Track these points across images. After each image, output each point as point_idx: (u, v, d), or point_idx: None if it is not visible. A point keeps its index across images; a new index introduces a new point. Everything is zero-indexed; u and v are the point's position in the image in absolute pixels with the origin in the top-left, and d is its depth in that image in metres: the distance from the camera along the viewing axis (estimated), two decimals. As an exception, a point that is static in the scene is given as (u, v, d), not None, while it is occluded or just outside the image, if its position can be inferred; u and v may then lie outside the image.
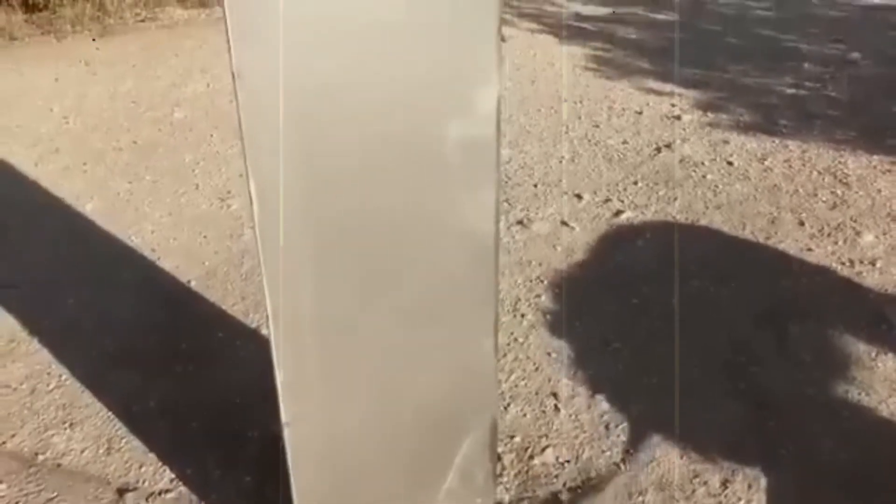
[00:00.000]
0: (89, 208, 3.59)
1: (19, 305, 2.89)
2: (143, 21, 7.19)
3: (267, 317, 1.59)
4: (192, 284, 3.01)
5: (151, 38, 6.42)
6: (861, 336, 2.57)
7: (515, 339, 2.61)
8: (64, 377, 2.51)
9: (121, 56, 5.82)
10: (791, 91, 4.76)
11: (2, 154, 4.11)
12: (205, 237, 3.34)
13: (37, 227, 3.46)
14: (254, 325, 2.73)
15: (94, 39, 6.54)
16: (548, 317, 2.73)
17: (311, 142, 1.53)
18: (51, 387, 2.48)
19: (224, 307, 2.86)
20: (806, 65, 5.19)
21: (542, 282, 2.93)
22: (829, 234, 3.15)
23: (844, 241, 3.10)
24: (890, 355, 2.48)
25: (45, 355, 2.62)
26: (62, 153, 4.15)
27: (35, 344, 2.68)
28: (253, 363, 2.48)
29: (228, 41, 1.38)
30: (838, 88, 4.75)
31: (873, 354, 2.48)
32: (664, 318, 2.71)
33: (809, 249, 3.07)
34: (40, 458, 2.21)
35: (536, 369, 2.47)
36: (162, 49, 5.99)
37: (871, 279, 2.88)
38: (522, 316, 2.73)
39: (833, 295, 2.80)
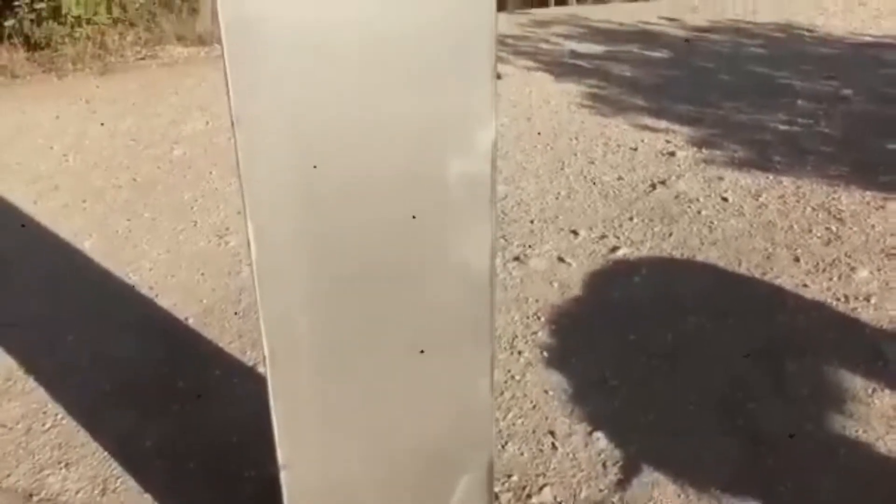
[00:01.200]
0: (88, 245, 3.60)
1: (16, 343, 2.89)
2: (143, 59, 7.29)
3: (264, 355, 1.59)
4: (190, 322, 3.02)
5: (152, 76, 6.50)
6: (858, 372, 2.57)
7: (513, 377, 2.61)
8: (60, 416, 2.51)
9: (121, 94, 5.88)
10: (784, 127, 4.81)
11: (1, 191, 4.14)
12: (202, 274, 3.35)
13: (35, 264, 3.48)
14: (251, 364, 2.73)
15: (97, 79, 6.61)
16: (545, 354, 2.73)
17: (309, 183, 1.55)
18: (46, 426, 2.47)
19: (221, 345, 2.86)
20: (799, 101, 5.25)
21: (539, 318, 2.94)
22: (824, 270, 3.17)
23: (839, 277, 3.12)
24: (887, 391, 2.48)
25: (41, 394, 2.62)
26: (61, 190, 4.18)
27: (31, 382, 2.68)
28: (250, 402, 2.47)
29: (228, 86, 1.41)
30: (831, 125, 4.80)
31: (870, 391, 2.48)
32: (661, 354, 2.71)
33: (805, 285, 3.08)
34: (35, 498, 2.19)
35: (534, 407, 2.47)
36: (162, 87, 6.05)
37: (866, 315, 2.89)
38: (520, 353, 2.73)
39: (829, 331, 2.80)
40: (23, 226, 3.75)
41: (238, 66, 1.42)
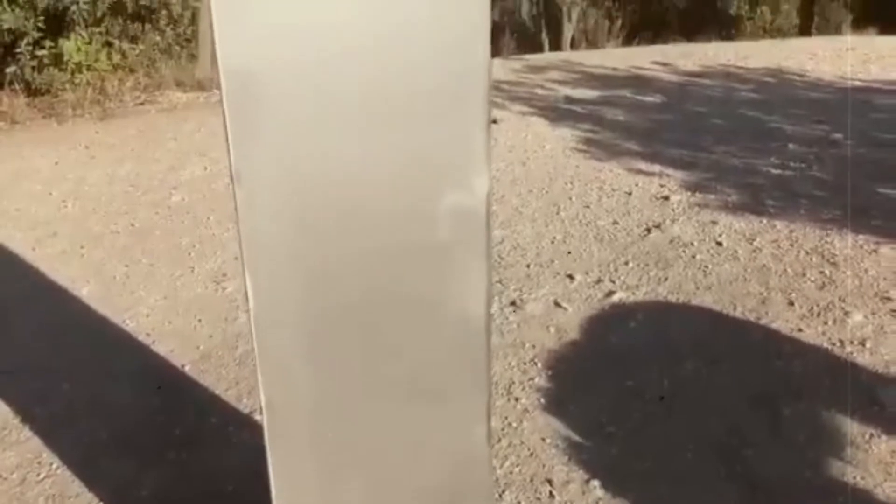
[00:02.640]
0: (85, 292, 3.61)
1: (12, 391, 2.88)
2: (142, 104, 7.37)
3: (260, 405, 1.60)
4: (187, 369, 3.01)
5: (151, 122, 6.57)
6: (854, 417, 2.57)
7: (510, 424, 2.61)
8: (55, 466, 2.49)
9: (120, 139, 5.94)
10: (777, 171, 4.87)
11: (0, 238, 4.15)
12: (199, 321, 3.36)
13: (32, 311, 3.48)
14: (247, 411, 2.73)
15: (97, 125, 6.68)
16: (542, 400, 2.73)
17: (307, 235, 1.57)
18: (41, 476, 2.45)
19: (218, 392, 2.85)
20: (790, 145, 5.32)
21: (535, 364, 2.94)
22: (818, 315, 3.18)
23: (834, 322, 3.13)
24: (884, 437, 2.48)
25: (36, 443, 2.60)
26: (60, 237, 4.20)
27: (26, 431, 2.66)
28: (246, 450, 2.46)
29: (228, 141, 1.44)
30: (823, 169, 4.86)
31: (867, 436, 2.48)
32: (658, 400, 2.71)
33: (800, 329, 3.09)
34: (28, 551, 2.17)
35: (531, 455, 2.46)
36: (161, 132, 6.12)
37: (861, 359, 2.90)
38: (517, 400, 2.73)
39: (825, 376, 2.81)
40: (32, 287, 3.75)
41: (238, 120, 1.45)
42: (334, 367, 1.72)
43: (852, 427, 2.53)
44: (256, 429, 1.64)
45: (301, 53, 1.46)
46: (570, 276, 3.61)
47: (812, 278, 3.48)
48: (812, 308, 3.24)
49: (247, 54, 1.43)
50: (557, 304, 3.37)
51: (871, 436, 2.48)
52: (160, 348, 3.16)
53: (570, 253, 3.87)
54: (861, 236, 3.85)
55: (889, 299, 3.28)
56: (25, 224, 4.37)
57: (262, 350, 1.65)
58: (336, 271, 1.63)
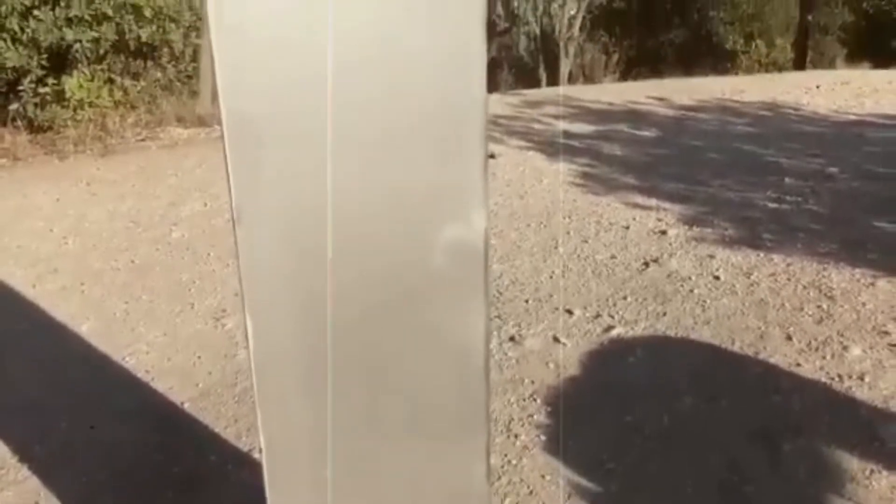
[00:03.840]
0: (85, 329, 3.62)
1: (11, 430, 2.88)
2: (143, 140, 7.44)
3: (259, 443, 1.60)
4: (186, 406, 3.01)
5: (152, 158, 6.62)
6: (854, 453, 2.57)
7: (509, 461, 2.60)
8: (53, 506, 2.48)
9: (121, 176, 5.99)
10: (773, 205, 4.91)
11: (1, 275, 4.17)
12: (199, 357, 3.36)
13: (32, 349, 3.49)
14: (246, 449, 2.72)
15: (98, 161, 6.73)
16: (542, 437, 2.73)
17: (307, 273, 1.59)
18: (39, 516, 2.44)
19: (217, 430, 2.85)
20: (786, 179, 5.36)
21: (535, 400, 2.94)
22: (816, 349, 3.19)
23: (832, 356, 3.14)
24: (884, 473, 2.47)
25: (34, 483, 2.59)
26: (61, 273, 4.22)
27: (25, 471, 2.65)
28: (245, 488, 2.45)
29: (229, 182, 1.46)
30: (819, 202, 4.90)
31: (867, 472, 2.48)
32: (657, 436, 2.71)
33: (798, 364, 3.10)
34: (25, 593, 2.16)
35: (531, 493, 2.46)
36: (161, 168, 6.16)
37: (860, 394, 2.90)
38: (516, 436, 2.73)
39: (824, 411, 2.81)
40: (31, 325, 3.76)
41: (239, 161, 1.47)
42: (333, 406, 1.72)
43: (852, 463, 2.53)
44: (256, 467, 1.65)
45: (301, 96, 1.49)
46: (569, 311, 3.62)
47: (810, 312, 3.49)
48: (810, 342, 3.25)
49: (248, 97, 1.46)
50: (556, 340, 3.37)
51: (872, 472, 2.48)
52: (160, 385, 3.16)
53: (568, 288, 3.88)
54: (858, 270, 3.87)
55: (887, 333, 3.29)
56: (26, 261, 4.39)
57: (261, 389, 1.66)
58: (335, 310, 1.64)
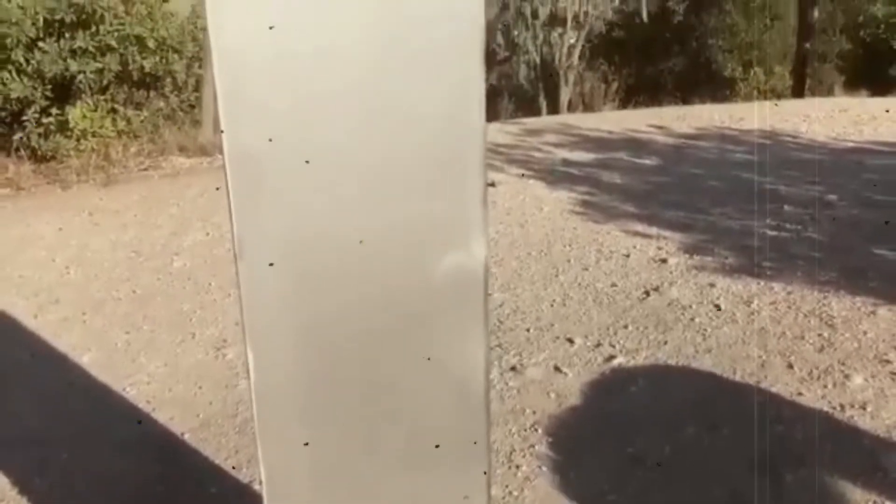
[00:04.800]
0: (86, 360, 3.62)
1: (11, 462, 2.87)
2: (146, 170, 7.48)
3: (260, 475, 1.60)
4: (187, 437, 3.00)
5: (154, 187, 6.66)
6: (857, 483, 2.56)
7: (510, 493, 2.59)
8: (52, 539, 2.47)
9: (123, 205, 6.02)
10: (773, 233, 4.92)
11: (3, 305, 4.18)
12: (200, 388, 3.36)
13: (32, 380, 3.48)
14: (246, 480, 2.71)
15: (100, 191, 6.76)
16: (543, 467, 2.72)
17: (307, 306, 1.60)
18: (38, 550, 2.43)
19: (217, 461, 2.84)
20: (785, 207, 5.38)
21: (536, 430, 2.93)
22: (818, 378, 3.19)
23: (834, 385, 3.13)
24: (888, 503, 2.46)
25: (34, 515, 2.59)
26: (62, 304, 4.23)
27: (25, 503, 2.64)
28: (245, 521, 2.45)
29: (231, 219, 1.48)
30: (818, 230, 4.91)
31: (870, 503, 2.46)
32: (659, 466, 2.70)
33: (800, 393, 3.09)
34: None
35: (532, 524, 2.44)
36: (164, 198, 6.19)
37: (862, 423, 2.89)
38: (517, 467, 2.72)
39: (826, 441, 2.80)
40: (32, 356, 3.77)
41: (241, 196, 1.49)
42: (333, 437, 1.73)
43: (855, 493, 2.51)
44: (256, 499, 1.64)
45: (302, 128, 1.51)
46: (570, 340, 3.62)
47: (811, 341, 3.49)
48: (811, 371, 3.24)
49: (251, 134, 1.48)
50: (558, 369, 3.37)
51: (875, 502, 2.47)
52: (160, 416, 3.15)
53: (569, 316, 3.89)
54: (858, 298, 3.87)
55: (888, 362, 3.28)
56: (28, 291, 4.41)
57: (261, 420, 1.66)
58: (335, 341, 1.65)
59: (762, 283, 4.14)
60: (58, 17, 7.24)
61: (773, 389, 3.14)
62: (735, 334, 3.59)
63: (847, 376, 3.19)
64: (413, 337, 1.70)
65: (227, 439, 2.97)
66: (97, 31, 7.51)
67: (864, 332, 3.54)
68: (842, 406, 2.99)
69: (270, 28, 1.44)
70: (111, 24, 7.58)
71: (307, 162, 1.52)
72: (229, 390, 3.33)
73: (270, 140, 1.48)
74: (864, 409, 2.97)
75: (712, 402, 3.10)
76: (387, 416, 1.72)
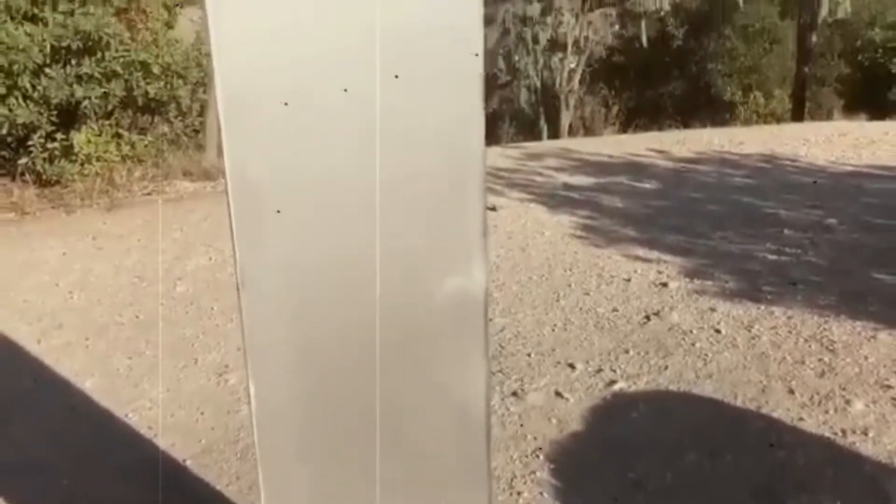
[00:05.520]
0: (89, 385, 3.63)
1: (11, 488, 2.87)
2: (149, 194, 7.52)
3: (261, 501, 1.61)
4: (188, 463, 3.01)
5: (157, 212, 6.69)
6: (859, 510, 2.56)
7: (512, 519, 2.59)
8: (54, 566, 2.47)
9: (127, 230, 6.05)
10: (773, 257, 4.94)
11: (6, 330, 4.20)
12: (202, 413, 3.36)
13: (34, 406, 3.49)
14: (248, 507, 2.71)
15: (104, 215, 6.80)
16: (545, 494, 2.72)
17: (308, 336, 1.62)
18: (40, 577, 2.43)
19: (219, 487, 2.84)
20: (785, 231, 5.40)
21: (537, 456, 2.93)
22: (819, 403, 3.19)
23: (835, 410, 3.14)
24: (890, 530, 2.46)
25: (35, 542, 2.59)
26: (65, 329, 4.24)
27: (26, 530, 2.65)
28: (247, 548, 2.45)
29: (235, 252, 1.50)
30: (818, 254, 4.93)
31: (873, 530, 2.46)
32: (661, 493, 2.70)
33: (801, 419, 3.09)
34: None
35: (534, 551, 2.44)
36: (167, 222, 6.23)
37: (864, 449, 2.89)
38: (519, 494, 2.72)
39: (828, 467, 2.80)
40: (35, 381, 3.78)
41: (244, 228, 1.51)
42: (334, 464, 1.74)
43: (857, 520, 2.51)
44: (258, 528, 1.65)
45: (304, 159, 1.54)
46: (571, 366, 3.62)
47: (811, 366, 3.50)
48: (812, 396, 3.25)
49: (254, 164, 1.51)
50: (559, 395, 3.38)
51: (877, 529, 2.46)
52: (162, 442, 3.16)
53: (570, 341, 3.90)
54: (859, 323, 3.88)
55: (890, 387, 3.29)
56: (32, 316, 4.43)
57: (263, 448, 1.68)
58: (336, 368, 1.67)
59: (762, 307, 4.15)
60: (64, 43, 7.31)
61: (775, 415, 3.14)
62: (736, 359, 3.60)
63: (848, 402, 3.19)
64: (414, 363, 1.71)
65: (228, 465, 2.97)
66: (103, 57, 7.59)
67: (865, 357, 3.55)
68: (843, 431, 3.00)
69: (273, 59, 1.47)
70: (117, 51, 7.66)
71: (308, 189, 1.54)
72: (231, 416, 3.33)
73: (272, 169, 1.51)
74: (866, 434, 2.97)
75: (713, 427, 3.10)
76: (387, 443, 1.73)
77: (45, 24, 7.32)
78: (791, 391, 3.30)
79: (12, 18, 7.18)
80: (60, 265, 5.27)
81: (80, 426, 3.32)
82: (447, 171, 1.60)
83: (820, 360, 3.55)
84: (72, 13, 7.44)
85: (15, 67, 7.02)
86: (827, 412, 3.13)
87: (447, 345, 1.72)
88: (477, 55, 1.54)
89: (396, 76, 1.52)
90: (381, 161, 1.56)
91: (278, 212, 1.52)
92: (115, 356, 3.92)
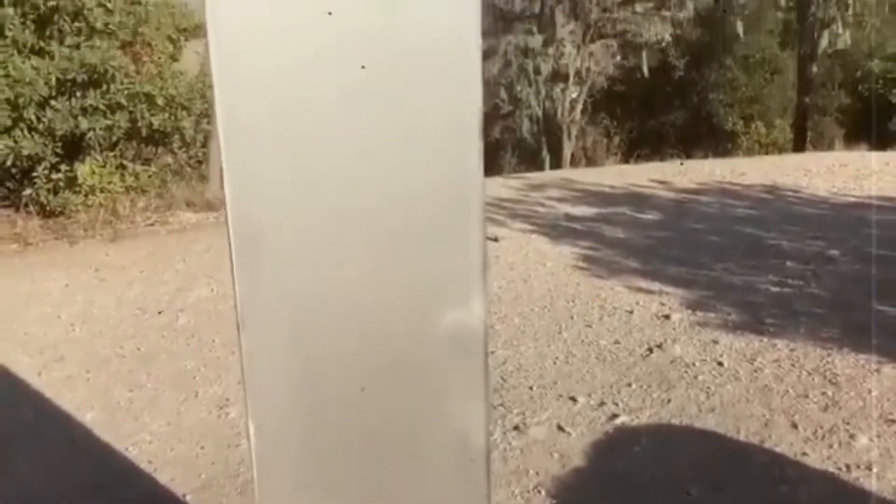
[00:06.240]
0: (89, 418, 3.62)
1: (11, 524, 2.86)
2: (152, 225, 7.55)
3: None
4: (188, 498, 2.99)
5: (160, 243, 6.71)
6: (865, 548, 2.53)
7: (513, 557, 2.56)
8: None
9: (130, 261, 6.07)
10: (775, 289, 4.93)
11: (7, 362, 4.20)
12: (202, 447, 3.35)
13: (34, 439, 3.48)
14: (248, 543, 2.69)
15: (107, 246, 6.82)
16: (546, 530, 2.70)
17: (309, 371, 1.62)
18: None
19: (218, 523, 2.82)
20: (788, 262, 5.40)
21: (539, 492, 2.91)
22: (823, 438, 3.17)
23: (839, 445, 3.11)
24: (896, 569, 2.43)
25: (32, 580, 2.56)
26: (67, 361, 4.24)
27: (23, 567, 2.63)
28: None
29: (235, 292, 1.51)
30: (820, 286, 4.93)
31: (878, 568, 2.43)
32: (664, 529, 2.67)
33: (805, 453, 3.07)
34: None
35: (535, 590, 2.41)
36: (170, 254, 6.25)
37: (868, 484, 2.86)
38: (520, 530, 2.70)
39: (832, 502, 2.77)
40: (36, 414, 3.77)
41: (245, 269, 1.52)
42: (334, 501, 1.73)
43: (863, 558, 2.48)
44: (256, 568, 1.64)
45: (304, 198, 1.55)
46: (573, 399, 3.61)
47: (815, 399, 3.48)
48: (816, 431, 3.22)
49: (256, 207, 1.52)
50: (561, 429, 3.36)
51: (883, 567, 2.44)
52: (162, 476, 3.14)
53: (572, 374, 3.88)
54: (862, 356, 3.86)
55: (894, 421, 3.26)
56: (33, 348, 4.43)
57: (262, 487, 1.67)
58: (335, 404, 1.67)
59: (765, 339, 4.14)
60: (70, 76, 7.40)
61: (778, 449, 3.12)
62: (738, 392, 3.58)
63: (852, 436, 3.17)
64: (413, 398, 1.71)
65: (228, 500, 2.95)
66: (108, 89, 7.67)
67: (869, 391, 3.53)
68: (847, 467, 2.97)
69: (274, 102, 1.49)
70: (122, 83, 7.74)
71: (307, 224, 1.55)
72: (231, 450, 3.32)
73: (272, 207, 1.52)
74: (870, 469, 2.95)
75: (716, 462, 3.08)
76: (387, 480, 1.72)
77: (52, 58, 7.42)
78: (794, 425, 3.28)
79: (19, 52, 7.27)
80: (63, 297, 5.28)
81: (80, 460, 3.30)
82: (446, 202, 1.61)
83: (823, 393, 3.53)
84: (78, 46, 7.54)
85: (21, 100, 7.10)
86: (831, 447, 3.11)
87: (447, 378, 1.72)
88: (476, 84, 1.55)
89: (395, 110, 1.53)
90: (379, 194, 1.57)
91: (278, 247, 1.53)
92: (116, 389, 3.91)
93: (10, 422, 3.63)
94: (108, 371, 4.12)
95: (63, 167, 7.65)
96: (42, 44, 7.53)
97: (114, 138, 8.05)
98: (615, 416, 3.44)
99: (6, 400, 3.87)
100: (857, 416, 3.32)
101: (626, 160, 14.37)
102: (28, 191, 7.71)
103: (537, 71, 15.32)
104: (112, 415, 3.65)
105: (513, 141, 16.31)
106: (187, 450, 3.34)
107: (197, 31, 9.24)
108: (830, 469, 2.97)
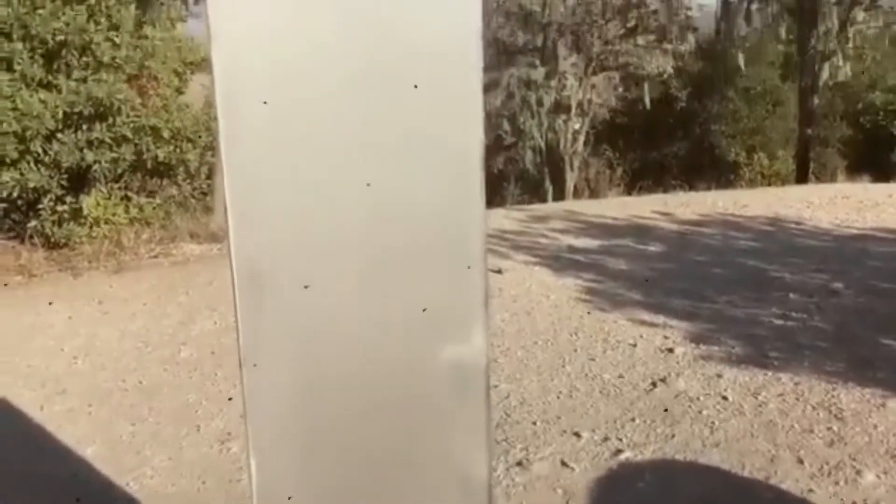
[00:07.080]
0: (90, 452, 3.60)
1: (10, 561, 2.83)
2: (156, 257, 7.57)
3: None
4: (188, 535, 2.97)
5: (164, 275, 6.72)
6: (873, 587, 2.50)
7: None
8: None
9: (133, 294, 6.07)
10: (779, 322, 4.92)
11: (9, 396, 4.19)
12: (203, 483, 3.33)
13: (34, 474, 3.46)
14: (248, 582, 2.66)
15: (111, 278, 6.83)
16: (549, 569, 2.67)
17: (311, 409, 1.62)
18: None
19: (218, 562, 2.80)
20: (791, 295, 5.39)
21: (542, 529, 2.89)
22: (828, 474, 3.14)
23: (845, 482, 3.08)
24: None
25: None
26: (69, 394, 4.23)
27: None
28: None
29: (238, 332, 1.51)
30: (824, 319, 4.91)
31: None
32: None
33: (811, 490, 3.04)
34: None
35: None
36: (173, 286, 6.26)
37: (876, 522, 2.83)
38: (523, 569, 2.67)
39: (839, 541, 2.75)
40: (37, 448, 3.76)
41: (248, 312, 1.53)
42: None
43: None
44: None
45: (308, 236, 1.56)
46: (577, 434, 3.58)
47: (820, 434, 3.45)
48: (822, 467, 3.19)
49: (258, 240, 1.53)
50: (565, 464, 3.33)
51: None
52: (162, 513, 3.12)
53: (576, 408, 3.86)
54: (867, 390, 3.84)
55: (900, 457, 3.24)
56: (36, 381, 4.42)
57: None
58: (336, 440, 1.66)
59: (769, 373, 4.12)
60: (77, 109, 7.48)
61: (783, 486, 3.09)
62: (743, 427, 3.56)
63: (859, 472, 3.14)
64: (415, 433, 1.70)
65: (228, 538, 2.93)
66: (114, 122, 7.75)
67: (875, 426, 3.50)
68: (854, 504, 2.94)
69: (278, 137, 1.51)
70: (128, 116, 7.83)
71: (309, 260, 1.56)
72: (232, 485, 3.29)
73: (275, 238, 1.53)
74: (877, 507, 2.92)
75: (721, 498, 3.05)
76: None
77: (59, 91, 7.50)
78: (800, 461, 3.25)
79: (27, 86, 7.35)
80: (66, 329, 5.28)
81: (79, 495, 3.28)
82: (447, 234, 1.62)
83: (829, 428, 3.50)
84: (85, 80, 7.63)
85: (28, 133, 7.17)
86: (837, 483, 3.08)
87: (448, 412, 1.72)
88: (477, 116, 1.57)
89: (398, 139, 1.55)
90: (380, 227, 1.58)
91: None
92: (117, 423, 3.90)
93: (11, 456, 3.61)
94: (109, 405, 4.11)
95: (68, 199, 7.71)
96: (50, 77, 7.62)
97: (119, 170, 8.12)
98: (619, 451, 3.42)
99: (7, 434, 3.86)
100: (863, 452, 3.29)
101: (628, 192, 14.40)
102: (33, 222, 7.76)
103: (540, 103, 15.43)
104: (113, 449, 3.63)
105: (516, 172, 16.38)
106: (188, 485, 3.32)
107: (203, 64, 9.35)
108: (837, 506, 2.94)
